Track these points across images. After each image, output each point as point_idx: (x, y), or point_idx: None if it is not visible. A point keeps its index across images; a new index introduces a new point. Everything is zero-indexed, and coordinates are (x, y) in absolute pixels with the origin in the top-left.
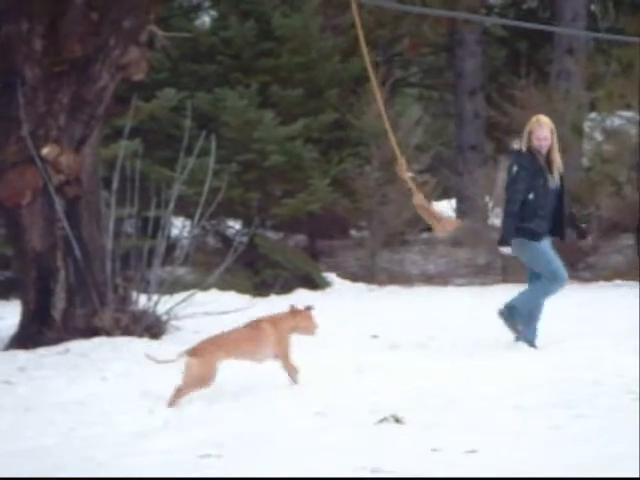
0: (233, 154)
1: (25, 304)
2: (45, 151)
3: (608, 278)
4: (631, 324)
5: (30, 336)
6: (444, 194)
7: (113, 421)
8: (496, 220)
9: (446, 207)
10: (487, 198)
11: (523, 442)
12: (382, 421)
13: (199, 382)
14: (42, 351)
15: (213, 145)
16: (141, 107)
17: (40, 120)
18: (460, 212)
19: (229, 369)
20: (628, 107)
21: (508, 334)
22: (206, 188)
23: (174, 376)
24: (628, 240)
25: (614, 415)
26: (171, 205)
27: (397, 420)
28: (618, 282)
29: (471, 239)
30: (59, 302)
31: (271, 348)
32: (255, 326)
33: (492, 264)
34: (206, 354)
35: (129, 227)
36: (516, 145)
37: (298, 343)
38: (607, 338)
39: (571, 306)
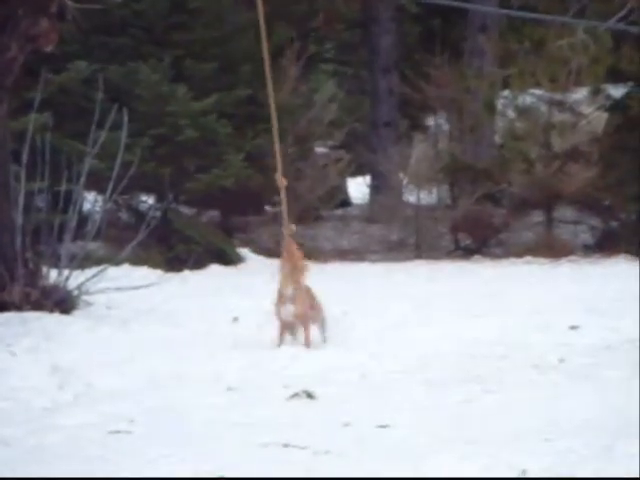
0: (146, 128)
1: None
2: None
3: (519, 255)
4: (539, 300)
5: None
6: (358, 171)
7: (22, 396)
8: (410, 197)
9: (361, 183)
10: (401, 175)
11: (433, 417)
12: (294, 396)
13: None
14: None
15: (125, 119)
16: (51, 79)
17: None
18: (374, 189)
19: (143, 344)
20: (539, 85)
21: (418, 309)
22: (118, 162)
23: (84, 352)
24: (539, 217)
25: (522, 389)
26: (82, 179)
27: (309, 395)
28: (529, 259)
29: (385, 215)
30: None
31: None
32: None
33: (406, 240)
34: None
35: (40, 201)
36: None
37: (210, 317)
38: (516, 314)
39: (481, 282)
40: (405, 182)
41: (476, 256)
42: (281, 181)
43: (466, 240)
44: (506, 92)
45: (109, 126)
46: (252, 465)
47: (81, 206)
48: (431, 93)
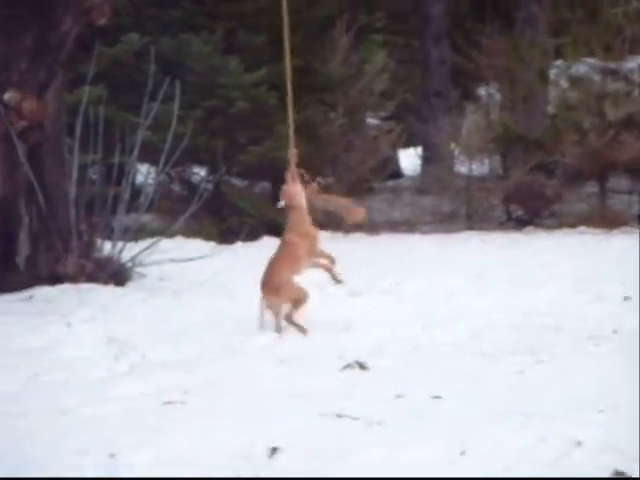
0: (198, 100)
1: None
2: (7, 96)
3: (572, 225)
4: (592, 271)
5: None
6: (410, 142)
7: (78, 367)
8: (462, 168)
9: (412, 155)
10: (452, 145)
11: (486, 388)
12: (346, 367)
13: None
14: (6, 297)
15: (177, 91)
16: (105, 52)
17: (1, 64)
18: (425, 160)
19: (196, 316)
20: (592, 54)
21: (471, 280)
22: (170, 134)
23: (139, 323)
24: (592, 187)
25: (574, 360)
26: (135, 151)
27: (361, 366)
28: (582, 229)
29: (436, 187)
30: (23, 249)
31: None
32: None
33: (457, 211)
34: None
35: (94, 174)
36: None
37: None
38: (569, 285)
39: (534, 253)
40: (457, 153)
41: (528, 227)
42: (292, 153)
43: (518, 211)
44: (559, 61)
45: (161, 98)
46: (305, 436)
47: (134, 178)
48: (483, 62)
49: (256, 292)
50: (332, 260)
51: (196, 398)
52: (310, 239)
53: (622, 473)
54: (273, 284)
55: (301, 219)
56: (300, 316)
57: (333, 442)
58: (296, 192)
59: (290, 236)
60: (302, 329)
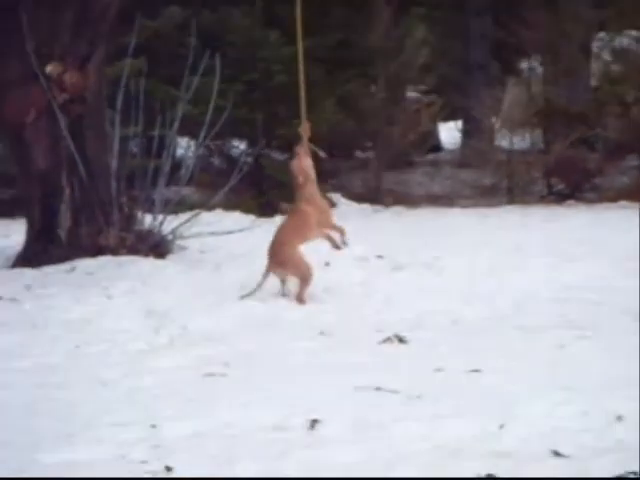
0: (238, 74)
1: (30, 223)
2: (49, 68)
3: (613, 199)
4: (634, 246)
5: (36, 254)
6: (450, 115)
7: (118, 339)
8: (502, 142)
9: (453, 128)
10: (493, 119)
11: (526, 362)
12: (385, 341)
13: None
14: (48, 269)
15: (218, 64)
16: (146, 25)
17: (44, 37)
18: (466, 133)
19: (235, 288)
20: (636, 26)
21: (511, 254)
22: (211, 107)
23: (179, 295)
24: (633, 161)
25: (616, 335)
26: (176, 124)
27: (400, 340)
28: (623, 203)
29: (477, 160)
30: (64, 221)
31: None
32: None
33: (498, 185)
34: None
35: (134, 147)
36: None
37: None
38: (610, 259)
39: (575, 227)
40: (498, 126)
41: (569, 201)
42: (305, 127)
43: (559, 185)
44: (602, 34)
45: (202, 72)
46: (344, 408)
47: (174, 151)
48: (525, 36)
49: None
50: (342, 231)
51: (236, 370)
52: (322, 211)
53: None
54: (280, 256)
55: (312, 191)
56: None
57: (372, 415)
58: (307, 165)
59: (301, 205)
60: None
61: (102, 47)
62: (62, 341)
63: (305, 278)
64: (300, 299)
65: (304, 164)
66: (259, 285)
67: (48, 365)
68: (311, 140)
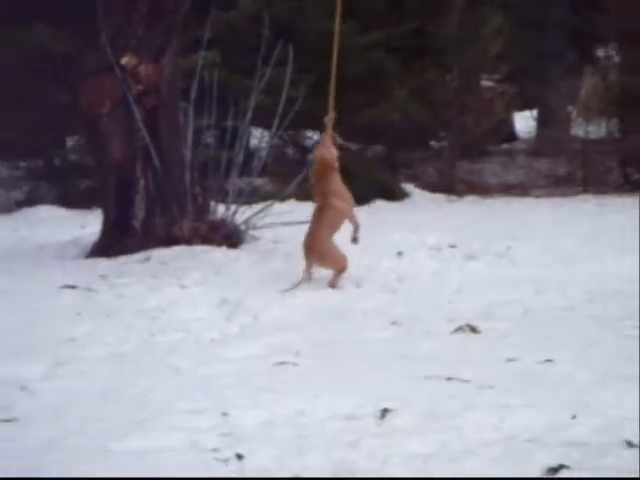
0: (311, 64)
1: (106, 213)
2: (124, 60)
3: None
4: None
5: (111, 244)
6: (526, 104)
7: (191, 328)
8: (578, 131)
9: (528, 117)
10: (569, 108)
11: (598, 352)
12: (457, 330)
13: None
14: (123, 259)
15: (290, 54)
16: (219, 17)
17: (119, 29)
18: (541, 122)
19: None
20: None
21: (585, 244)
22: (283, 98)
23: (251, 285)
24: None
25: None
26: (248, 115)
27: (472, 329)
28: None
29: (552, 149)
30: (139, 211)
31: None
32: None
33: (573, 175)
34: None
35: (208, 138)
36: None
37: (374, 252)
38: None
39: None
40: (573, 115)
41: None
42: (330, 117)
43: (635, 175)
44: None
45: (275, 62)
46: (415, 397)
47: (248, 142)
48: (602, 23)
49: (368, 254)
50: (358, 227)
51: (307, 359)
52: (347, 201)
53: None
54: (317, 251)
55: (338, 182)
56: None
57: (443, 404)
58: (333, 156)
59: (332, 200)
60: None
61: (176, 39)
62: (136, 330)
63: (342, 270)
64: (333, 285)
65: (329, 154)
66: (301, 281)
67: (122, 353)
68: (374, 129)
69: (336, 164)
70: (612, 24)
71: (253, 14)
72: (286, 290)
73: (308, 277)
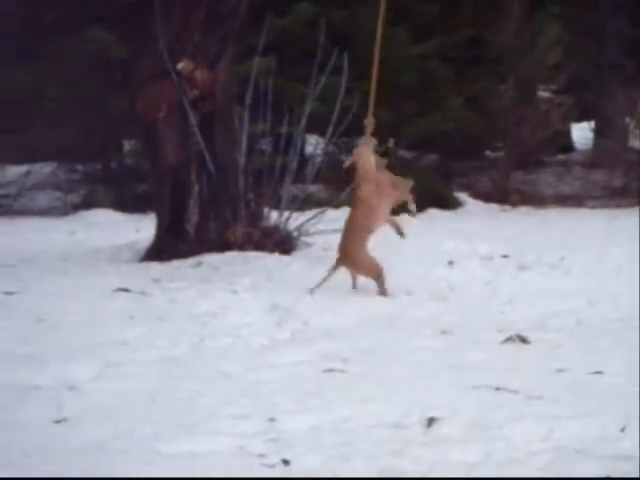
0: (366, 71)
1: (160, 217)
2: (180, 66)
3: None
4: None
5: (165, 249)
6: (584, 115)
7: (242, 333)
8: (636, 142)
9: (585, 128)
10: (627, 119)
11: None
12: (507, 340)
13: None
14: (176, 263)
15: (345, 62)
16: (275, 23)
17: (176, 35)
18: (598, 133)
19: (358, 285)
20: None
21: (637, 256)
22: (338, 106)
23: (302, 291)
24: None
25: None
26: (303, 122)
27: (523, 340)
28: None
29: (608, 161)
30: (193, 216)
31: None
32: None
33: (629, 186)
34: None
35: (264, 144)
36: None
37: (426, 261)
38: None
39: None
40: (631, 127)
41: None
42: (370, 122)
43: None
44: None
45: (330, 70)
46: (462, 407)
47: (302, 149)
48: None
49: (420, 262)
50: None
51: (355, 366)
52: (395, 184)
53: None
54: (352, 257)
55: (372, 189)
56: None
57: (491, 414)
58: (371, 163)
59: (362, 194)
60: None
61: (232, 45)
62: (187, 334)
63: (378, 276)
64: (382, 293)
65: (367, 161)
66: (326, 278)
67: (172, 357)
68: (428, 138)
69: (372, 174)
70: None
71: (309, 20)
72: (313, 288)
73: (353, 284)
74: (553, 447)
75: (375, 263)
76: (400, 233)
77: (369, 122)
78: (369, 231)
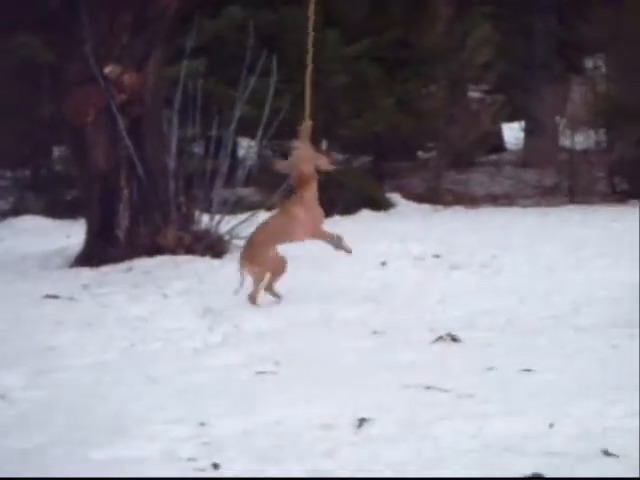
0: (297, 74)
1: (90, 223)
2: (107, 70)
3: None
4: None
5: (95, 254)
6: (514, 116)
7: (173, 337)
8: (566, 141)
9: (516, 129)
10: (557, 118)
11: (579, 361)
12: (438, 340)
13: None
14: (106, 269)
15: (274, 64)
16: (205, 26)
17: (103, 39)
18: (529, 132)
19: (290, 287)
20: None
21: (570, 254)
22: (267, 108)
23: (233, 295)
24: None
25: None
26: (233, 125)
27: (453, 339)
28: None
29: (539, 160)
30: (123, 221)
31: (306, 229)
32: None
33: (560, 185)
34: (260, 255)
35: (195, 148)
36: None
37: (358, 262)
38: None
39: (637, 226)
40: (561, 126)
41: (633, 200)
42: (307, 126)
43: (623, 184)
44: None
45: (259, 72)
46: (393, 407)
47: (234, 152)
48: (589, 33)
49: (352, 264)
50: (339, 238)
51: (286, 369)
52: (314, 218)
53: None
54: (252, 251)
55: (312, 195)
56: (278, 284)
57: (421, 414)
58: (311, 170)
59: (295, 209)
60: (278, 297)
61: (160, 48)
62: (117, 339)
63: (277, 272)
64: (269, 290)
65: (305, 165)
66: (240, 284)
67: (102, 362)
68: (360, 140)
69: (314, 177)
70: (599, 34)
71: (238, 23)
72: (236, 290)
73: (258, 283)
74: (481, 445)
75: (277, 259)
76: (341, 248)
77: (306, 126)
78: (278, 243)
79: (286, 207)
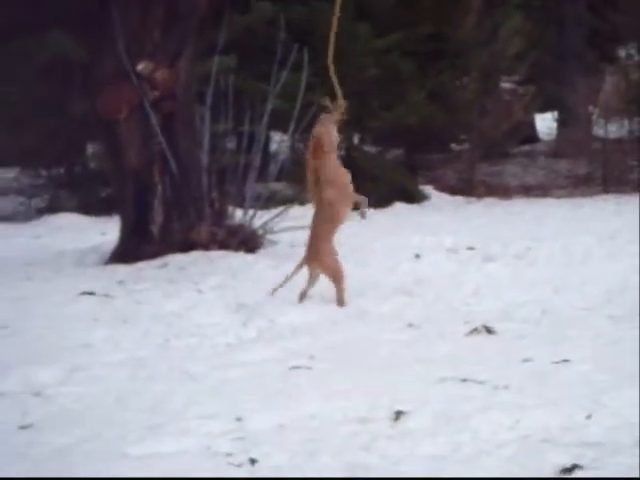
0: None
1: (124, 219)
2: (140, 67)
3: None
4: None
5: (130, 251)
6: (547, 106)
7: (207, 333)
8: (599, 130)
9: (549, 119)
10: (590, 108)
11: (615, 351)
12: (473, 332)
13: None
14: (141, 265)
15: (306, 58)
16: (236, 21)
17: (134, 35)
18: (561, 123)
19: (324, 281)
20: None
21: (604, 244)
22: (299, 102)
23: (268, 289)
24: None
25: None
26: (265, 119)
27: (489, 331)
28: None
29: (572, 150)
30: (157, 217)
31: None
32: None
33: (593, 175)
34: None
35: (228, 143)
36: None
37: (392, 255)
38: None
39: None
40: (594, 115)
41: None
42: (340, 106)
43: None
44: None
45: (291, 66)
46: (429, 400)
47: (266, 146)
48: (620, 22)
49: (386, 257)
50: (363, 202)
51: (322, 363)
52: (343, 186)
53: None
54: (319, 259)
55: (333, 167)
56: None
57: (457, 406)
58: (330, 136)
59: (326, 194)
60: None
61: (192, 44)
62: (152, 335)
63: (339, 281)
64: (340, 302)
65: (325, 132)
66: (288, 279)
67: (138, 358)
68: (393, 132)
69: (332, 146)
70: (630, 22)
71: (269, 17)
72: (275, 289)
73: (312, 283)
74: (519, 437)
75: (340, 268)
76: (362, 212)
77: (339, 104)
78: (334, 232)
79: (320, 200)
